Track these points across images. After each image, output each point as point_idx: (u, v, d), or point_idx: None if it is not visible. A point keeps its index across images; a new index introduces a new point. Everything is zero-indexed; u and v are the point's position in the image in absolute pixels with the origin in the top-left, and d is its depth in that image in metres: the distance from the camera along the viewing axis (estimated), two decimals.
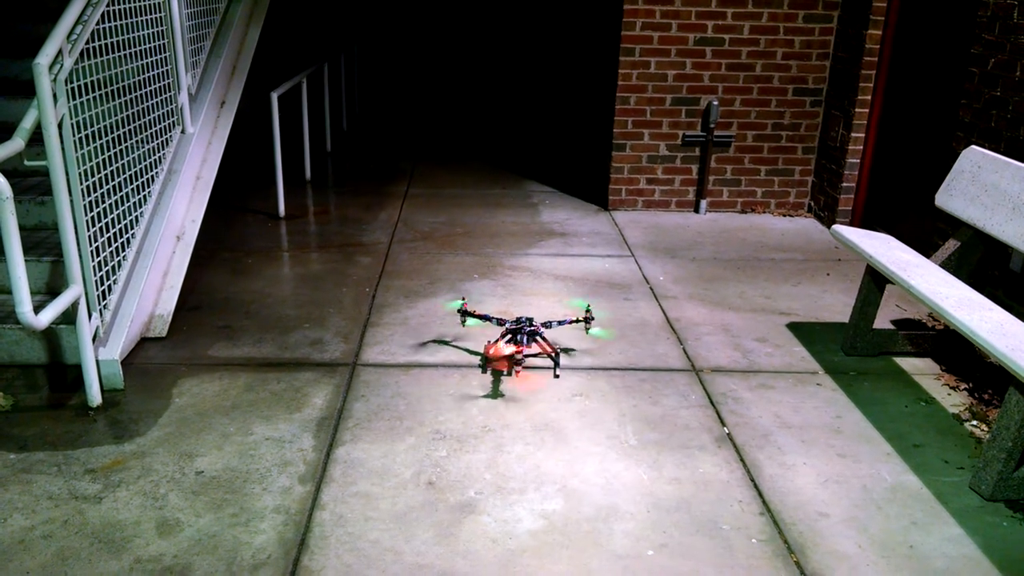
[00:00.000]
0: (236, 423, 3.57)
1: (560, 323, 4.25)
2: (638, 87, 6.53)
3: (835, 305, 4.99)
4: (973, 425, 3.69)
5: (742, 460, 3.38)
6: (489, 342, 4.14)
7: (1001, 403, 3.78)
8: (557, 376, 4.00)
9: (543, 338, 4.29)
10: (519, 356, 3.99)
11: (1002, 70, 4.49)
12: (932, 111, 5.38)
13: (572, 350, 4.28)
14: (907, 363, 4.29)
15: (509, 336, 4.10)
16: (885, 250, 4.13)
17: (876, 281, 4.21)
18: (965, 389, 4.02)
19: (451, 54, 11.63)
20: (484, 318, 4.24)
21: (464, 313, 4.30)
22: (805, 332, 4.61)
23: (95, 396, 3.67)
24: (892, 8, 5.82)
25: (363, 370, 4.06)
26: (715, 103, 6.50)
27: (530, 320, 4.18)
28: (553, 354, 4.16)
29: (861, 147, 6.19)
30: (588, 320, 4.28)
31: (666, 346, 4.39)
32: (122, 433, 3.47)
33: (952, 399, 3.93)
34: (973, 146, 4.23)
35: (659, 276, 5.40)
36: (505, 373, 4.01)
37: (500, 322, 4.20)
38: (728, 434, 3.58)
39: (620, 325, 4.62)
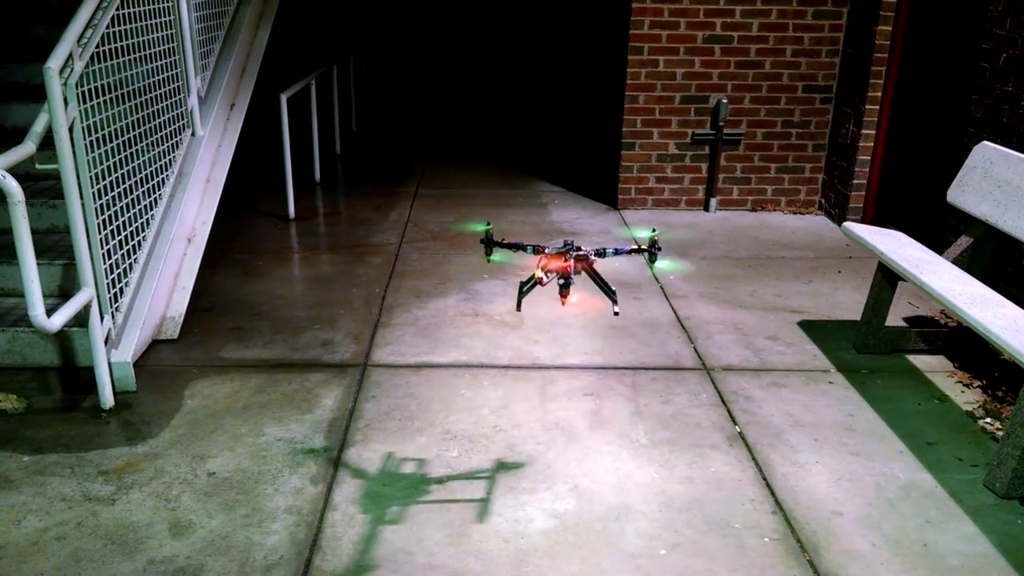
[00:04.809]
0: (248, 424, 3.58)
1: (617, 251, 3.27)
2: (647, 86, 6.52)
3: (847, 303, 4.96)
4: (987, 422, 3.67)
5: (754, 459, 3.37)
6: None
7: (1015, 400, 3.75)
8: (617, 314, 3.34)
9: (594, 269, 3.20)
10: (567, 276, 3.08)
11: (1014, 65, 4.46)
12: (943, 107, 5.35)
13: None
14: (920, 360, 4.26)
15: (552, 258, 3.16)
16: (897, 247, 4.11)
17: (888, 278, 4.19)
18: (979, 386, 3.99)
19: (460, 55, 11.64)
20: (515, 247, 3.25)
21: (490, 243, 3.32)
22: (817, 330, 4.59)
23: (107, 398, 3.69)
24: (902, 3, 5.79)
25: (374, 370, 4.06)
26: (724, 101, 6.48)
27: (578, 247, 3.14)
28: (609, 289, 3.20)
29: (872, 144, 6.16)
30: (653, 250, 3.26)
31: (677, 345, 4.38)
32: (134, 435, 3.48)
33: (966, 396, 3.91)
34: (985, 142, 4.20)
35: (669, 275, 5.39)
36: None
37: (537, 249, 3.20)
38: (740, 433, 3.57)
39: (631, 324, 4.61)
